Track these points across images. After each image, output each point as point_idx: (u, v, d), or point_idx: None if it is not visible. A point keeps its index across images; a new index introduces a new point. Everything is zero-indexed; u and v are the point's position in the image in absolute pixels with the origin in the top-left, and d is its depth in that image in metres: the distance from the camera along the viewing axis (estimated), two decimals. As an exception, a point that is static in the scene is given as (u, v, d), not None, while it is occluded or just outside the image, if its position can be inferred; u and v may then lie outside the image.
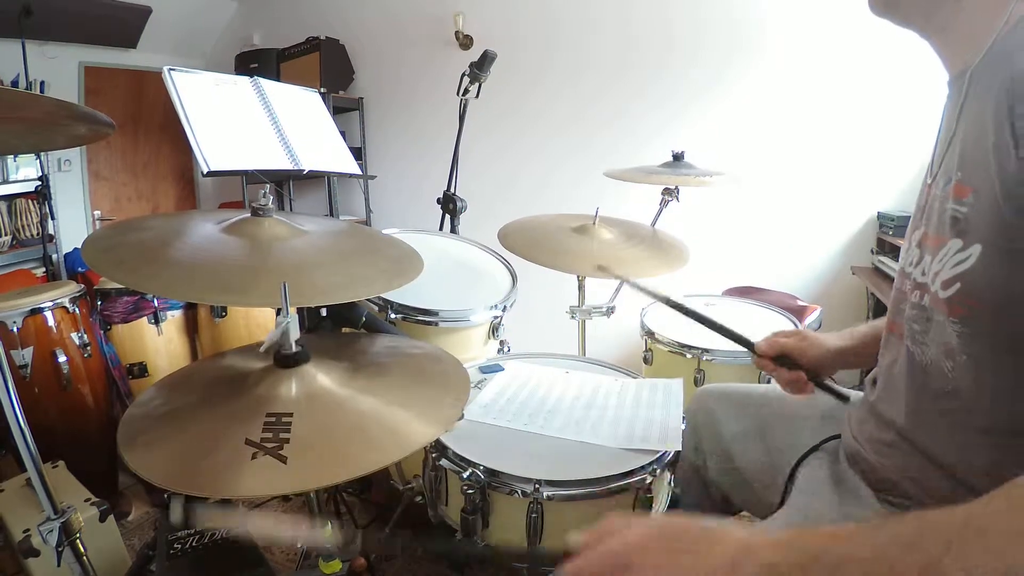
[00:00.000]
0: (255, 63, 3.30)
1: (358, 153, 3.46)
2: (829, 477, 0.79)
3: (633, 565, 0.46)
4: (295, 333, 0.82)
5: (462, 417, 1.04)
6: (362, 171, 3.43)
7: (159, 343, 1.87)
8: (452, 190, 1.93)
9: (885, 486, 0.70)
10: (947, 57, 0.65)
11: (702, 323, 0.95)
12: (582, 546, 0.50)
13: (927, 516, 0.41)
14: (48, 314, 1.58)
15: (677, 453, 0.98)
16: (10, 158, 3.01)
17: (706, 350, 1.45)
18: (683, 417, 1.06)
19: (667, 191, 1.68)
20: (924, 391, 0.65)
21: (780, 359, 0.91)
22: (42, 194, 2.67)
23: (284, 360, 0.82)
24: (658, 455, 0.95)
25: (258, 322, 1.95)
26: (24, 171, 3.08)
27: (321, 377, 0.83)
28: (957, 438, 0.61)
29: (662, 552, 0.46)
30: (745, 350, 0.94)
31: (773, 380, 0.95)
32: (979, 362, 0.57)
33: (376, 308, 1.35)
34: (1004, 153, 0.51)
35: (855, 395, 0.89)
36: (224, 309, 1.90)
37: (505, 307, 1.48)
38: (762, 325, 1.61)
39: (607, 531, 0.50)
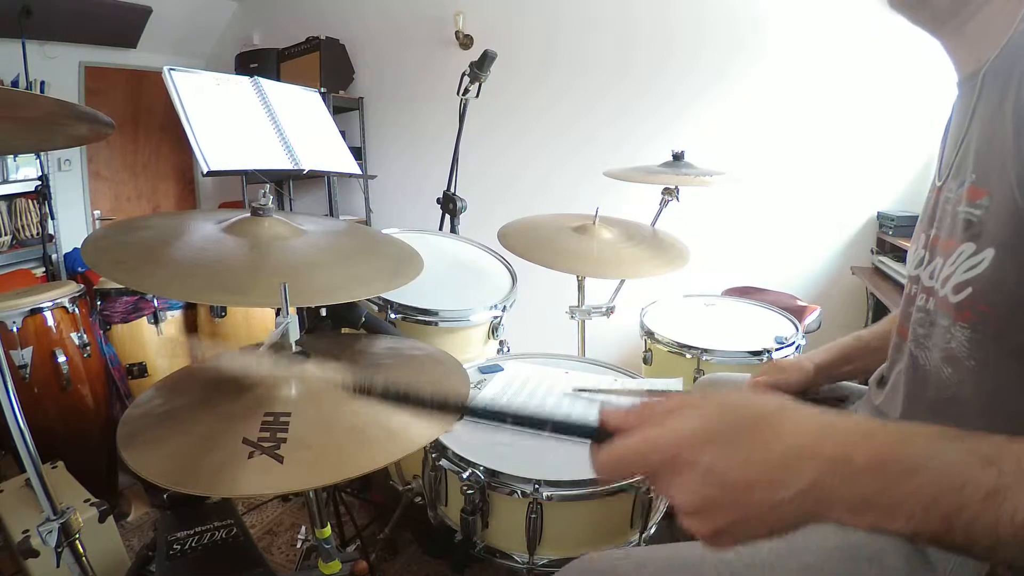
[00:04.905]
0: (255, 63, 3.30)
1: (358, 153, 3.45)
2: None
3: (681, 460, 0.40)
4: (295, 333, 0.82)
5: (462, 417, 1.04)
6: (362, 171, 3.43)
7: (159, 343, 1.88)
8: (452, 190, 1.93)
9: None
10: (959, 58, 0.64)
11: None
12: (617, 427, 0.44)
13: (1012, 440, 0.37)
14: (48, 314, 1.58)
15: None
16: (10, 158, 3.00)
17: (705, 350, 1.45)
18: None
19: (667, 191, 1.68)
20: (921, 396, 0.65)
21: None
22: (42, 194, 2.67)
23: (284, 360, 0.82)
24: (658, 455, 0.95)
25: (258, 322, 1.95)
26: (24, 171, 3.07)
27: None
28: None
29: (714, 447, 0.40)
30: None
31: None
32: (985, 368, 0.56)
33: (376, 308, 1.35)
34: (1023, 149, 0.49)
35: (856, 388, 0.89)
36: (224, 309, 1.90)
37: (505, 307, 1.48)
38: (762, 325, 1.61)
39: (648, 414, 0.44)
